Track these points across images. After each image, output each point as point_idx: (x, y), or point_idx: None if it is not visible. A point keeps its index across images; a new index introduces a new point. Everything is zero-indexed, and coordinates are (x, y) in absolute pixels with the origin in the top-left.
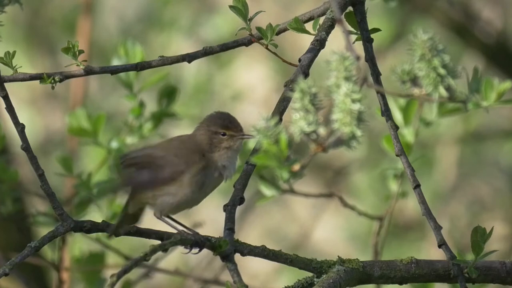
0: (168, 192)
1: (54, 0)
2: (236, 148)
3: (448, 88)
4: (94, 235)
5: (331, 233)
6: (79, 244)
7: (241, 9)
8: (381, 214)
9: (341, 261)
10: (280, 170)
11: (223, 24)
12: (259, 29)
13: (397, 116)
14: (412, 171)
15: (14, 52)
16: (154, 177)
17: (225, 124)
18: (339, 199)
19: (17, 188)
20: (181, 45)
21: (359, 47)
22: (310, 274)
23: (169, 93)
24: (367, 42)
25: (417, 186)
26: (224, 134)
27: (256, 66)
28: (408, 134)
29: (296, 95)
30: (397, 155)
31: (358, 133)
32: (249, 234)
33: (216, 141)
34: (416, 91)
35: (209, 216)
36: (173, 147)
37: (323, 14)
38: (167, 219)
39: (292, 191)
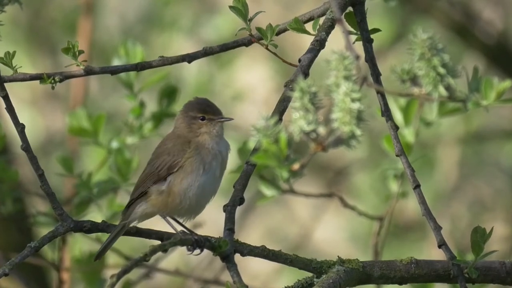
0: (175, 186)
1: (55, 0)
2: (216, 133)
3: (447, 87)
4: (94, 235)
5: (332, 233)
6: (79, 244)
7: (241, 10)
8: (381, 214)
9: (341, 261)
10: (280, 169)
11: (224, 24)
12: (259, 29)
13: (397, 116)
14: (412, 171)
15: (14, 52)
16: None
17: (203, 108)
18: (340, 199)
19: (17, 188)
20: (182, 46)
21: (359, 47)
22: (310, 274)
23: (169, 93)
24: (367, 42)
25: (417, 187)
26: (203, 119)
27: (256, 67)
28: (408, 134)
29: (296, 94)
30: (397, 155)
31: (358, 132)
32: (250, 235)
33: (195, 126)
34: (416, 90)
35: (209, 217)
36: (161, 150)
37: (323, 14)
38: (168, 218)
39: (292, 191)
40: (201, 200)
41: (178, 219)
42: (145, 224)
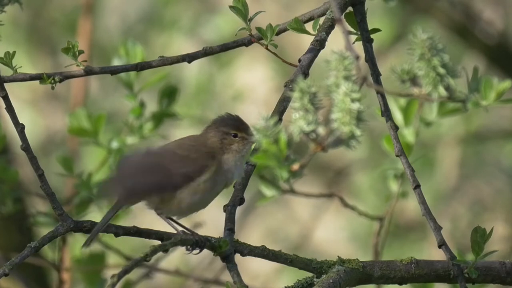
0: (180, 198)
1: (55, 0)
2: (245, 152)
3: (447, 88)
4: None
5: (332, 233)
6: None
7: (241, 9)
8: (381, 215)
9: (341, 261)
10: (279, 169)
11: (224, 24)
12: (259, 29)
13: (397, 116)
14: (412, 171)
15: (14, 52)
16: (163, 183)
17: (237, 126)
18: (340, 199)
19: (17, 188)
20: (182, 46)
21: (359, 47)
22: (310, 274)
23: (169, 93)
24: (367, 42)
25: (417, 187)
26: (235, 136)
27: (256, 67)
28: (408, 134)
29: (295, 94)
30: (397, 156)
31: (358, 132)
32: (250, 235)
33: (226, 142)
34: (415, 90)
35: (209, 217)
36: (184, 148)
37: (323, 14)
38: (167, 219)
39: (292, 191)
40: (194, 209)
41: (175, 218)
42: (145, 224)
